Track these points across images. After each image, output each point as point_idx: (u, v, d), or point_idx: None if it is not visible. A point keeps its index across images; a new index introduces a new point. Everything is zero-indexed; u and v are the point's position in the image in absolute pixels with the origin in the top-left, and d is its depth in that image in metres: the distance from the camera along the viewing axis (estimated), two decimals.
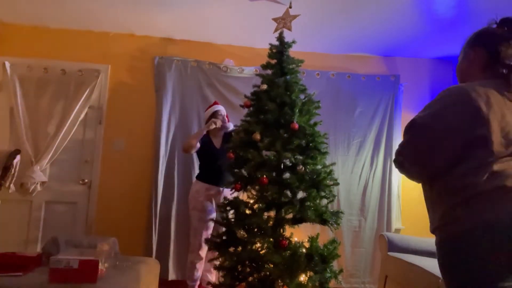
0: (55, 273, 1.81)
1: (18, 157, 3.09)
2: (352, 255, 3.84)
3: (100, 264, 1.88)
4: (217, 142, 3.40)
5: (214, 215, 3.21)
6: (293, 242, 2.73)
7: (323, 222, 2.74)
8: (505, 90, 1.25)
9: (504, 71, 1.30)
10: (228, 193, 3.13)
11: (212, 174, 3.28)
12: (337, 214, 2.82)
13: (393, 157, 1.40)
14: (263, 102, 2.87)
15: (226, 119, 3.44)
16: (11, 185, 3.28)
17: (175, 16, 3.50)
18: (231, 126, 3.44)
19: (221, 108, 3.46)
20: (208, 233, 3.20)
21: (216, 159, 3.20)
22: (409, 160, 1.32)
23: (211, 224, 3.21)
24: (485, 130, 1.19)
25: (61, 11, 3.52)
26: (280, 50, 3.00)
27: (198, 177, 3.36)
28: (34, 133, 3.64)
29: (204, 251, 3.20)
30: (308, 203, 2.74)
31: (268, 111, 2.84)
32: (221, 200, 3.12)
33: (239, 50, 4.02)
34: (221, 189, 3.29)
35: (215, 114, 3.39)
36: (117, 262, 2.16)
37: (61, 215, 3.70)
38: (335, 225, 2.78)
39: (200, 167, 3.43)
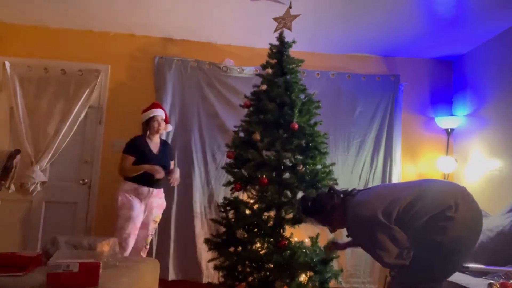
0: (54, 278, 1.72)
1: (18, 157, 3.09)
2: (352, 255, 3.83)
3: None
4: (154, 146, 3.23)
5: (142, 216, 3.14)
6: (293, 242, 2.73)
7: None
8: None
9: None
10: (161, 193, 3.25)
11: (146, 176, 3.11)
12: None
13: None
14: (263, 102, 2.87)
15: (164, 122, 3.28)
16: (11, 185, 3.29)
17: (175, 16, 3.50)
18: (169, 128, 3.36)
19: (159, 113, 3.24)
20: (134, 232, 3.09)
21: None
22: None
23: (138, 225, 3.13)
24: None
25: (61, 11, 3.52)
26: (280, 50, 3.00)
27: (128, 178, 3.14)
28: (34, 133, 3.64)
29: (128, 251, 3.07)
30: None
31: (268, 111, 2.84)
32: (153, 201, 3.18)
33: (239, 50, 4.02)
34: (151, 189, 3.16)
35: (152, 119, 3.20)
36: (117, 262, 2.15)
37: (61, 215, 3.70)
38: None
39: None
